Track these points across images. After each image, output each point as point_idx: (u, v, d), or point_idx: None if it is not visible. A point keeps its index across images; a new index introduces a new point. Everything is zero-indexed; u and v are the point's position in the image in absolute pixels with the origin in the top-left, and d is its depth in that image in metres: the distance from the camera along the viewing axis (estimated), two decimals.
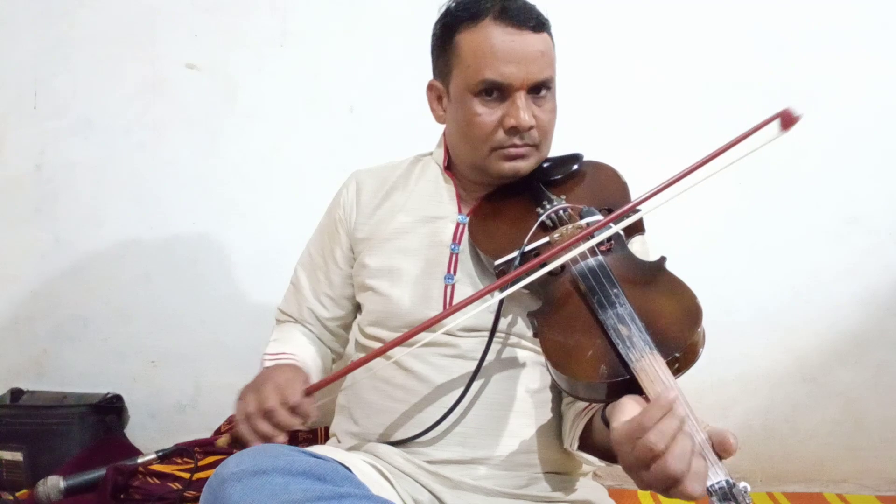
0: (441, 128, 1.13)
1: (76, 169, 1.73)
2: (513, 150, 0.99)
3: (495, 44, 0.95)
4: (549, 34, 1.00)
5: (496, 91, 0.96)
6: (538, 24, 0.97)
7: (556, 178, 1.05)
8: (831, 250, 1.59)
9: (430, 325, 0.88)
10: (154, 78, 1.71)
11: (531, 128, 0.97)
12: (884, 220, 1.58)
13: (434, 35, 1.05)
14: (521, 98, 0.96)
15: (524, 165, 1.01)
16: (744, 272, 1.61)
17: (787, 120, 0.80)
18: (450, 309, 0.88)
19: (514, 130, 0.97)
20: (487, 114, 0.97)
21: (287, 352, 1.09)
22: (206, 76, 1.70)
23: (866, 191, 1.58)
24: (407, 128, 1.60)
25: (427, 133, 1.19)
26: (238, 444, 0.88)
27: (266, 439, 0.86)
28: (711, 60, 1.60)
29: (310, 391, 0.90)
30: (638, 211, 0.91)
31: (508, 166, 1.00)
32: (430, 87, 1.08)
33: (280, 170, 1.69)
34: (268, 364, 1.04)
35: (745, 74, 1.59)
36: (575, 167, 1.06)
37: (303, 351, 1.12)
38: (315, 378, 1.04)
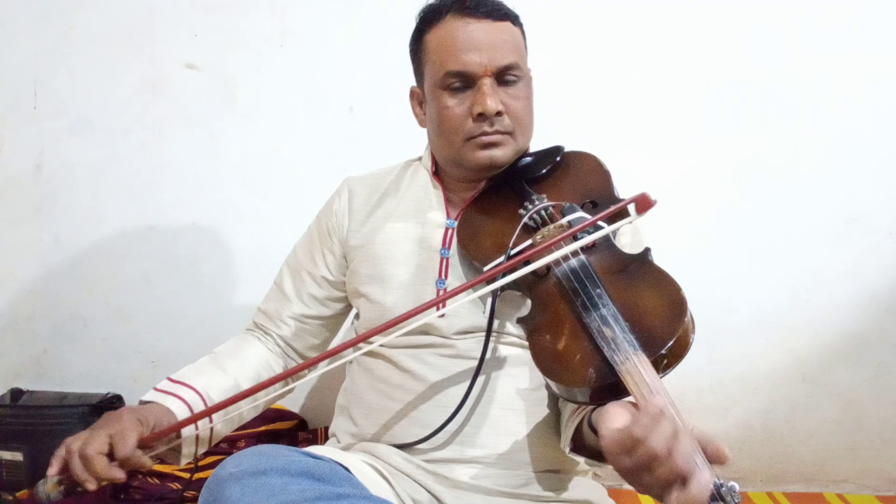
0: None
1: (76, 169, 1.73)
2: (485, 138, 0.98)
3: (455, 35, 0.97)
4: (515, 24, 1.02)
5: (461, 81, 0.98)
6: (496, 12, 0.99)
7: (538, 174, 1.04)
8: (831, 250, 1.59)
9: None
10: (153, 78, 1.71)
11: (499, 113, 0.97)
12: (884, 220, 1.58)
13: (410, 43, 1.07)
14: (486, 84, 0.96)
15: (499, 153, 1.00)
16: (743, 272, 1.61)
17: (642, 204, 0.82)
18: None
19: (483, 117, 0.97)
20: (456, 105, 0.98)
21: (192, 385, 1.00)
22: (206, 76, 1.70)
23: (866, 191, 1.58)
24: (406, 128, 1.58)
25: (426, 134, 1.18)
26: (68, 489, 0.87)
27: (77, 482, 0.86)
28: (710, 61, 1.59)
29: (145, 442, 0.88)
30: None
31: (483, 155, 1.00)
32: (412, 94, 1.10)
33: (279, 170, 1.70)
34: (147, 397, 0.98)
35: (744, 74, 1.59)
36: (557, 160, 1.05)
37: (222, 381, 1.03)
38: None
